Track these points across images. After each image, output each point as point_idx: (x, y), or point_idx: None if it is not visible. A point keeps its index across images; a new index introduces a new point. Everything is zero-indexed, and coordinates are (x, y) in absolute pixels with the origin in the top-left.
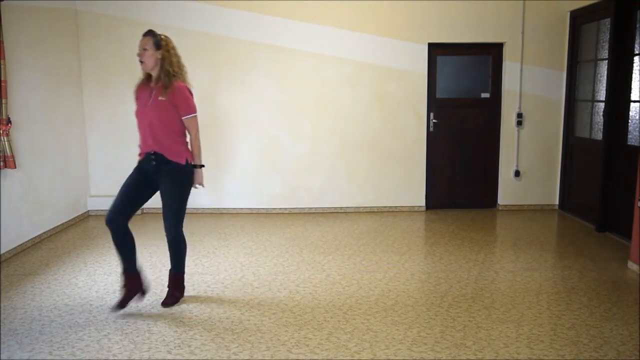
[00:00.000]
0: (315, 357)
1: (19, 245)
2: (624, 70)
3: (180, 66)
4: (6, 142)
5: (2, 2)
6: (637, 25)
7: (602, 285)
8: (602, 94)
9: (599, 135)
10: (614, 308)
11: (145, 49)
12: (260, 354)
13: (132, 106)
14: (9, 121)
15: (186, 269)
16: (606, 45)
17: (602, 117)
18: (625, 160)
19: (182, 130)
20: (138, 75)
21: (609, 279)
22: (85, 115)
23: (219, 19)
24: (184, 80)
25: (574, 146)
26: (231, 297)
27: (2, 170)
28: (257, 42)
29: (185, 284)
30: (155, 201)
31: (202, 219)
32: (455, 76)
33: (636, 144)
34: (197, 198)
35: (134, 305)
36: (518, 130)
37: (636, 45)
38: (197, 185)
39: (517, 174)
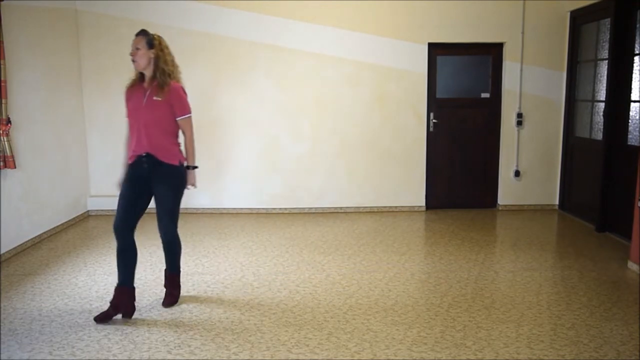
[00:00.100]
0: (315, 357)
1: (19, 245)
2: (624, 70)
3: (174, 65)
4: (6, 142)
5: (2, 2)
6: (637, 25)
7: (602, 285)
8: (602, 94)
9: (599, 135)
10: (614, 308)
11: (137, 48)
12: (260, 354)
13: None
14: (9, 121)
15: (186, 269)
16: (606, 45)
17: (602, 117)
18: (625, 160)
19: (176, 131)
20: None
21: (609, 279)
22: (85, 115)
23: (219, 19)
24: (177, 78)
25: (574, 146)
26: (231, 297)
27: (2, 170)
28: (257, 42)
29: (186, 284)
30: (153, 202)
31: (202, 219)
32: (455, 76)
33: (636, 144)
34: (197, 198)
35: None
36: (518, 130)
37: (636, 45)
38: (189, 187)
39: (517, 174)
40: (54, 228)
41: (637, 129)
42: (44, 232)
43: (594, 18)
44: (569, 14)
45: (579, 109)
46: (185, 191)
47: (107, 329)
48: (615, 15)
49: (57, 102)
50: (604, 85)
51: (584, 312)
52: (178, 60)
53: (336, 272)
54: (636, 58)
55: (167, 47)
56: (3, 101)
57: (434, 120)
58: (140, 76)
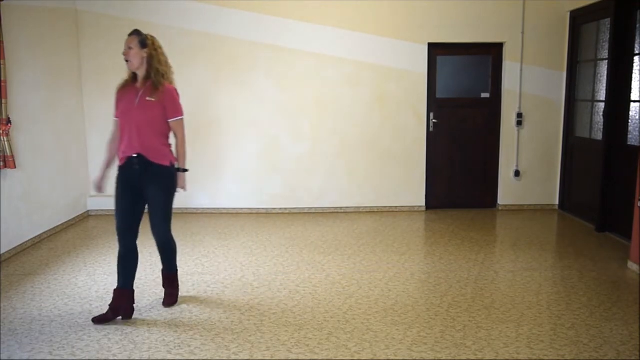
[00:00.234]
0: (315, 357)
1: (19, 245)
2: (624, 70)
3: (168, 66)
4: (6, 142)
5: (2, 2)
6: (637, 25)
7: (602, 285)
8: (602, 94)
9: (599, 135)
10: (614, 308)
11: (130, 48)
12: (260, 354)
13: None
14: (9, 121)
15: (186, 269)
16: (606, 45)
17: (602, 117)
18: (625, 160)
19: (167, 132)
20: None
21: (609, 279)
22: (85, 115)
23: (219, 19)
24: (171, 80)
25: (574, 146)
26: (231, 297)
27: (2, 170)
28: (257, 42)
29: (186, 284)
30: None
31: (202, 219)
32: (455, 76)
33: (636, 144)
34: (197, 198)
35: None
36: (518, 130)
37: (636, 45)
38: (179, 189)
39: (517, 174)
40: (54, 228)
41: (637, 129)
42: (44, 232)
43: (594, 18)
44: (569, 14)
45: (579, 109)
46: (183, 192)
47: (107, 329)
48: (615, 15)
49: (57, 102)
50: (604, 85)
51: (584, 312)
52: (178, 60)
53: (336, 272)
54: (636, 58)
55: (160, 47)
56: (3, 101)
57: (434, 120)
58: (133, 76)
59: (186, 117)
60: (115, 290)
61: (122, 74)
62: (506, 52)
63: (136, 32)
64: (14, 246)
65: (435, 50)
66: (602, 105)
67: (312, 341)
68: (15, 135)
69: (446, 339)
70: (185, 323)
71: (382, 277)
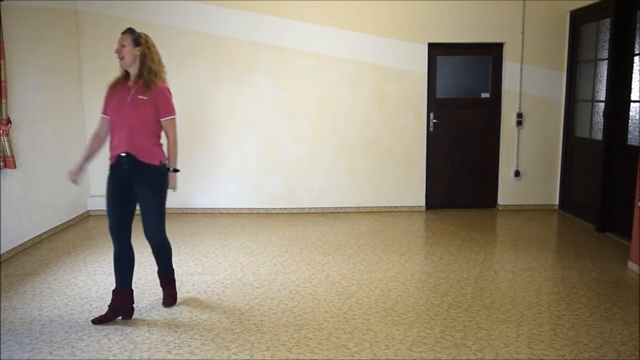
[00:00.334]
0: (315, 357)
1: (19, 245)
2: (624, 70)
3: (161, 65)
4: (6, 142)
5: (2, 2)
6: (637, 25)
7: (602, 285)
8: (602, 94)
9: (599, 135)
10: (614, 308)
11: (123, 46)
12: (260, 354)
13: None
14: (9, 121)
15: (186, 269)
16: (606, 45)
17: (602, 117)
18: (625, 160)
19: (158, 131)
20: None
21: (609, 279)
22: (85, 116)
23: (219, 18)
24: (163, 78)
25: (574, 146)
26: (231, 297)
27: (2, 170)
28: (257, 42)
29: (186, 284)
30: None
31: (202, 219)
32: (455, 76)
33: (636, 144)
34: (197, 198)
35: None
36: (518, 130)
37: (636, 45)
38: (170, 189)
39: (517, 174)
40: (54, 228)
41: (637, 129)
42: (44, 232)
43: (594, 18)
44: (569, 14)
45: (579, 109)
46: (174, 192)
47: (107, 329)
48: (615, 15)
49: (57, 102)
50: (604, 85)
51: (584, 312)
52: (178, 60)
53: (336, 272)
54: (636, 58)
55: (153, 46)
56: (3, 101)
57: (434, 120)
58: (125, 74)
59: (186, 116)
60: (113, 291)
61: None
62: (506, 52)
63: (129, 30)
64: (14, 246)
65: (435, 50)
66: (602, 105)
67: (312, 341)
68: (15, 135)
69: (446, 339)
70: (185, 323)
71: (382, 277)
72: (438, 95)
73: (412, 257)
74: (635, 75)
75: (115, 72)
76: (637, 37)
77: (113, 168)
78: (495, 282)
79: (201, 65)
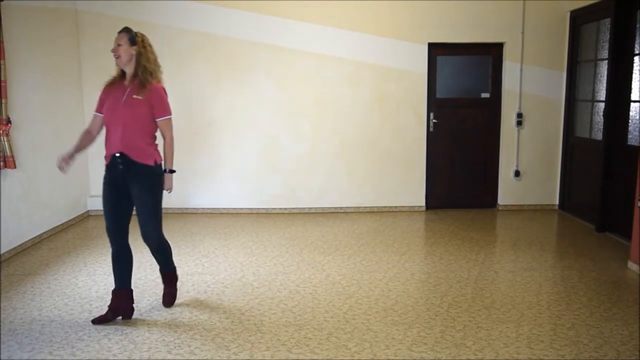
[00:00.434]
0: (315, 357)
1: (19, 245)
2: (624, 70)
3: (157, 64)
4: (6, 142)
5: (2, 2)
6: (637, 25)
7: (602, 285)
8: (602, 94)
9: (599, 135)
10: (614, 308)
11: (119, 45)
12: (260, 354)
13: None
14: (9, 121)
15: (186, 269)
16: (606, 45)
17: (602, 117)
18: (625, 160)
19: (154, 132)
20: None
21: (609, 279)
22: (85, 116)
23: (219, 18)
24: (159, 78)
25: (574, 146)
26: (231, 297)
27: (2, 170)
28: (257, 42)
29: (186, 284)
30: None
31: (202, 219)
32: (455, 76)
33: (636, 144)
34: (197, 198)
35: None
36: (518, 130)
37: (636, 45)
38: (165, 190)
39: (517, 174)
40: (54, 228)
41: (637, 129)
42: (44, 232)
43: (594, 18)
44: (569, 14)
45: (579, 109)
46: (169, 193)
47: (107, 329)
48: (615, 15)
49: (57, 102)
50: (604, 85)
51: (584, 312)
52: (178, 60)
53: (336, 272)
54: (636, 58)
55: (149, 46)
56: (3, 101)
57: (434, 120)
58: (122, 74)
59: (186, 116)
60: (113, 291)
61: None
62: (506, 52)
63: (126, 30)
64: (14, 246)
65: (435, 50)
66: (602, 105)
67: (312, 341)
68: (15, 135)
69: (446, 339)
70: (185, 323)
71: (382, 277)
72: (438, 95)
73: (412, 257)
74: (635, 75)
75: (115, 72)
76: (637, 37)
77: (108, 168)
78: (495, 282)
79: (201, 65)
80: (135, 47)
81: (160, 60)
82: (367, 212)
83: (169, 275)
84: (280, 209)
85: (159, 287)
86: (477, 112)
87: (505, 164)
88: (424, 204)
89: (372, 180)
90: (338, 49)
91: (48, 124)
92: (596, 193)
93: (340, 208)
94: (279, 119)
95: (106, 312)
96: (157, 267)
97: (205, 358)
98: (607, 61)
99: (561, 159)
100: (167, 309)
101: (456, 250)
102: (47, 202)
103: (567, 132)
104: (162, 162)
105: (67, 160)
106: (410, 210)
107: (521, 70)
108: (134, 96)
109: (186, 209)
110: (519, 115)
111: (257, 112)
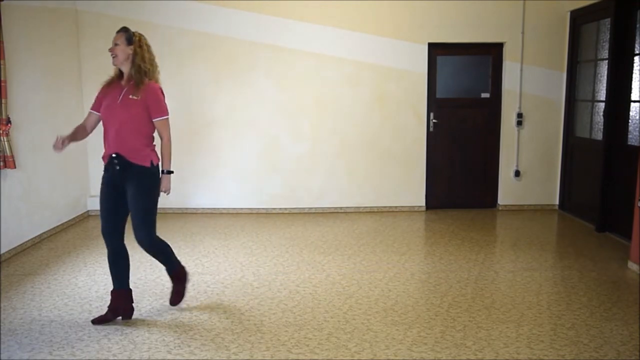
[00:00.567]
0: (315, 357)
1: (19, 245)
2: (624, 70)
3: (153, 64)
4: (6, 142)
5: (2, 2)
6: (637, 25)
7: (602, 285)
8: (602, 94)
9: (599, 135)
10: (614, 308)
11: (117, 44)
12: (260, 354)
13: None
14: (9, 121)
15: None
16: (606, 45)
17: (602, 117)
18: (625, 160)
19: (150, 132)
20: None
21: (609, 279)
22: (85, 116)
23: (219, 19)
24: (156, 78)
25: (574, 146)
26: (231, 297)
27: (2, 170)
28: (257, 42)
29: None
30: None
31: (202, 219)
32: (455, 76)
33: (636, 144)
34: (197, 198)
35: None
36: (518, 130)
37: (636, 45)
38: (163, 192)
39: (517, 174)
40: (54, 228)
41: (637, 129)
42: (44, 232)
43: (594, 18)
44: (569, 14)
45: (579, 109)
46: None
47: (107, 329)
48: (615, 15)
49: (57, 102)
50: (604, 85)
51: (584, 312)
52: (178, 60)
53: (336, 272)
54: (636, 58)
55: (147, 45)
56: (3, 101)
57: (434, 120)
58: (120, 74)
59: (186, 116)
60: (112, 291)
61: None
62: (506, 52)
63: (124, 29)
64: (14, 246)
65: (435, 50)
66: (602, 105)
67: (312, 341)
68: (15, 135)
69: (446, 339)
70: (185, 323)
71: (382, 277)
72: (438, 95)
73: (412, 257)
74: (635, 75)
75: (113, 72)
76: (637, 37)
77: (106, 168)
78: (495, 282)
79: (201, 65)
80: (131, 47)
81: (160, 60)
82: (367, 212)
83: (176, 274)
84: (280, 209)
85: (158, 287)
86: (477, 112)
87: (505, 164)
88: (424, 204)
89: (372, 180)
90: (338, 49)
91: (48, 124)
92: (596, 193)
93: (340, 208)
94: (279, 119)
95: (106, 312)
96: (157, 268)
97: (205, 358)
98: (607, 61)
99: (561, 159)
100: (167, 309)
101: (456, 250)
102: (47, 202)
103: (567, 132)
104: (160, 163)
105: (65, 142)
106: (410, 210)
107: (521, 70)
108: (130, 96)
109: (186, 209)
110: (519, 115)
111: (257, 112)
